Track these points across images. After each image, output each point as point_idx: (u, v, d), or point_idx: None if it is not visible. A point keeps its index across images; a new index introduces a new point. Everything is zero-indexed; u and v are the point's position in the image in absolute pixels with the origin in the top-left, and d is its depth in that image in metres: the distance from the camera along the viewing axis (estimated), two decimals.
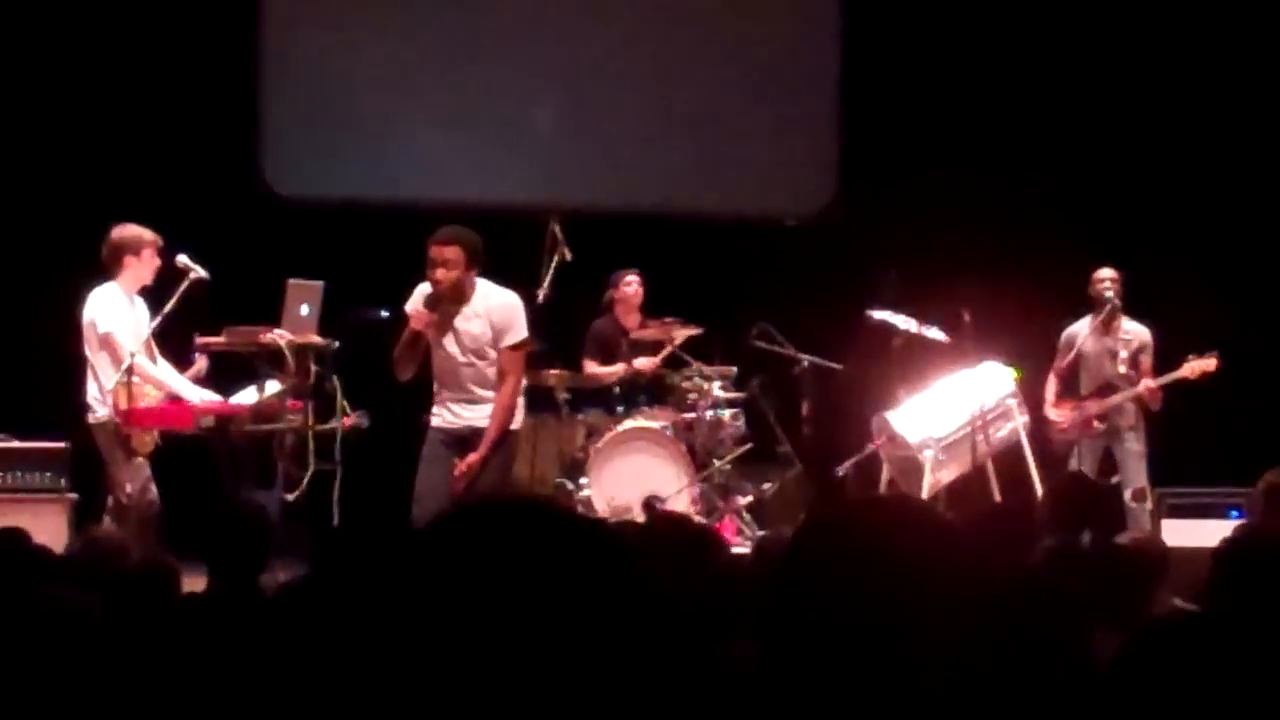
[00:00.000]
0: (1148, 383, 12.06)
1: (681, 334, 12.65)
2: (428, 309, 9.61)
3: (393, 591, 1.51)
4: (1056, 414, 12.25)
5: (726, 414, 12.72)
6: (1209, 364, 11.94)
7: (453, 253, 9.58)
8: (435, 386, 9.83)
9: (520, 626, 1.46)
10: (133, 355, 9.82)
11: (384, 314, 11.78)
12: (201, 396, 10.28)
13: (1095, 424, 12.15)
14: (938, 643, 1.90)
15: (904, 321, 12.12)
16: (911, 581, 1.91)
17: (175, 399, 10.22)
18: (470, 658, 1.45)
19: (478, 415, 9.70)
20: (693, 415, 12.59)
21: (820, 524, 2.08)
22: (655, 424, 12.42)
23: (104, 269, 10.25)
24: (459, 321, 9.67)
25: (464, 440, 9.71)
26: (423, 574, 1.51)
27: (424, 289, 9.69)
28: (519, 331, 9.81)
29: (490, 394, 9.72)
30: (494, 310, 9.72)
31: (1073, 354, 12.18)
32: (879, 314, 12.21)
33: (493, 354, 9.71)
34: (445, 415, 9.77)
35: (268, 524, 6.25)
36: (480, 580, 1.48)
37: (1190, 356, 11.97)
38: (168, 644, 4.29)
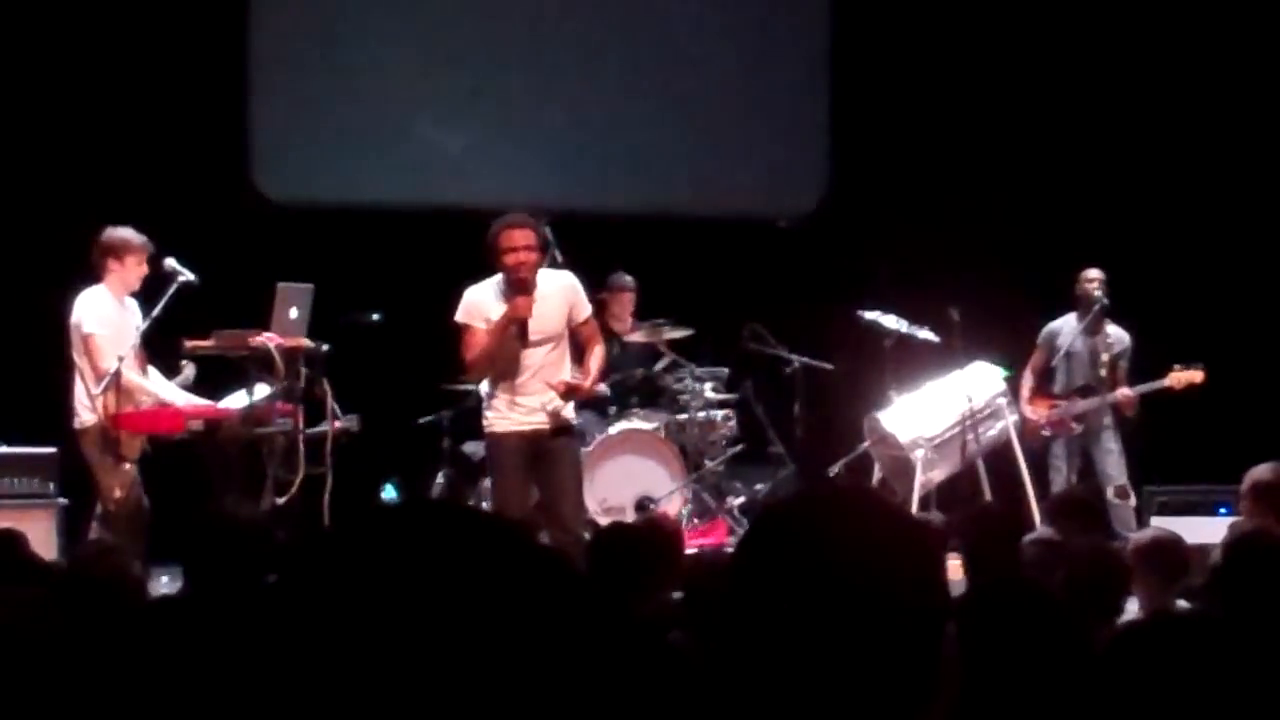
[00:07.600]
0: (1124, 391, 12.00)
1: (671, 336, 12.62)
2: (522, 294, 9.18)
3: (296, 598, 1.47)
4: (1032, 412, 12.20)
5: (718, 415, 12.72)
6: (1195, 376, 11.79)
7: (532, 238, 9.23)
8: (492, 389, 9.36)
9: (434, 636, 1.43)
10: (120, 359, 9.72)
11: (374, 317, 11.75)
12: (189, 402, 10.24)
13: (1073, 425, 12.11)
14: (892, 636, 1.87)
15: (894, 321, 12.12)
16: (862, 574, 1.88)
17: (164, 404, 10.17)
18: (380, 666, 1.42)
19: (548, 413, 9.29)
20: (685, 417, 12.57)
21: (773, 516, 2.06)
22: (647, 426, 12.40)
23: (93, 271, 10.19)
24: (535, 308, 9.28)
25: (535, 442, 9.26)
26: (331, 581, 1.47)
27: (479, 291, 9.27)
28: (588, 304, 9.58)
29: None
30: (566, 289, 9.37)
31: (1060, 353, 12.14)
32: (869, 314, 12.21)
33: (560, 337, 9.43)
34: (516, 415, 9.26)
35: (250, 533, 6.11)
36: (392, 585, 1.45)
37: (1175, 366, 11.88)
38: (124, 650, 4.25)
